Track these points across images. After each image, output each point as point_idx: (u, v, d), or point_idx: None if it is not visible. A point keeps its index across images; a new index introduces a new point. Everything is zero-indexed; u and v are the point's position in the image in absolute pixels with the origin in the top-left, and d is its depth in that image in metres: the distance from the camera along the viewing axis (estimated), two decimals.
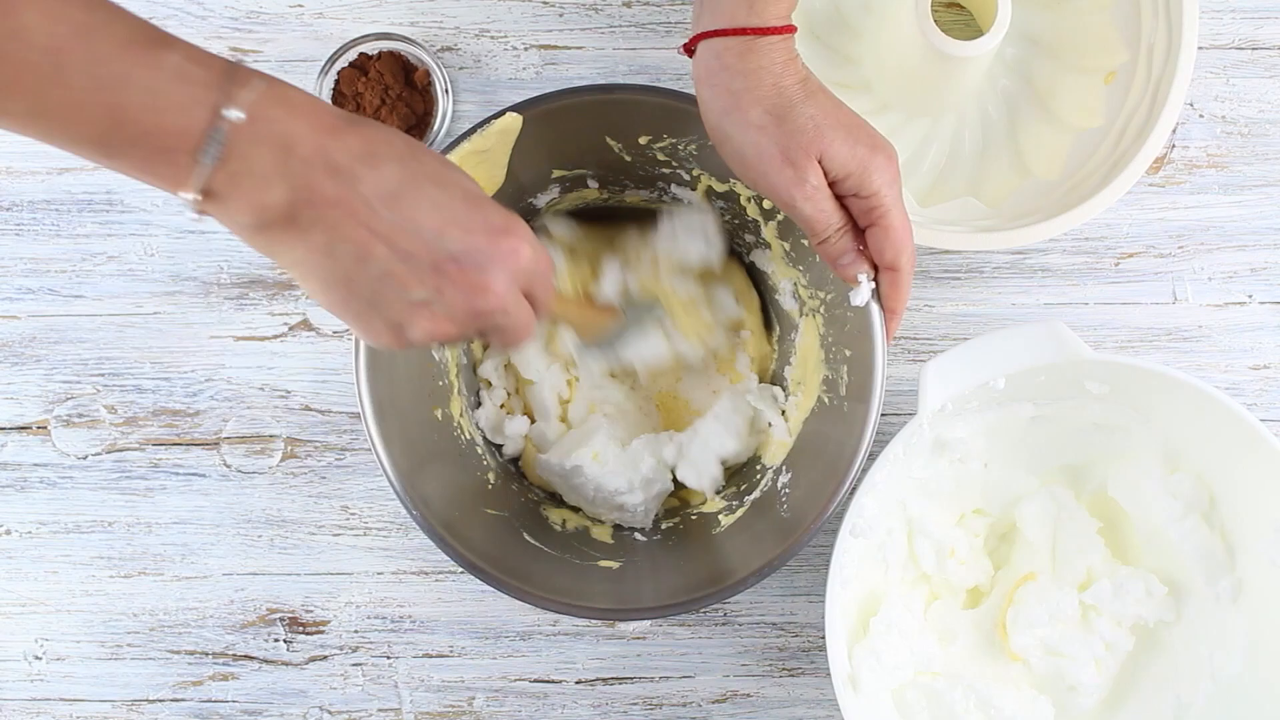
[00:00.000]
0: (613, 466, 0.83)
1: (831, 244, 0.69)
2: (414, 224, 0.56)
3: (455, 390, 0.84)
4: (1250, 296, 0.89)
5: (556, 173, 0.81)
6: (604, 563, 0.80)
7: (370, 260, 0.56)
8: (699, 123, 0.70)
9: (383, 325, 0.58)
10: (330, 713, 0.88)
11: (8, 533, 0.89)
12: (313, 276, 0.56)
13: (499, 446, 0.87)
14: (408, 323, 0.58)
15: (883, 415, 0.74)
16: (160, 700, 0.88)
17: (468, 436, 0.84)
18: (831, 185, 0.67)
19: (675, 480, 0.86)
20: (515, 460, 0.87)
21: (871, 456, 0.74)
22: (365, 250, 0.55)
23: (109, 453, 0.89)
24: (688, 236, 0.84)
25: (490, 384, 0.87)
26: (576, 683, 0.88)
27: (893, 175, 0.67)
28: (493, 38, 0.89)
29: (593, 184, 0.83)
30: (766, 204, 0.80)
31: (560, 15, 0.89)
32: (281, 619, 0.88)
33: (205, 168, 0.52)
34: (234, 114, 0.52)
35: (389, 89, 0.86)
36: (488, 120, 0.75)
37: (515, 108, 0.75)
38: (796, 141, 0.65)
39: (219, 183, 0.52)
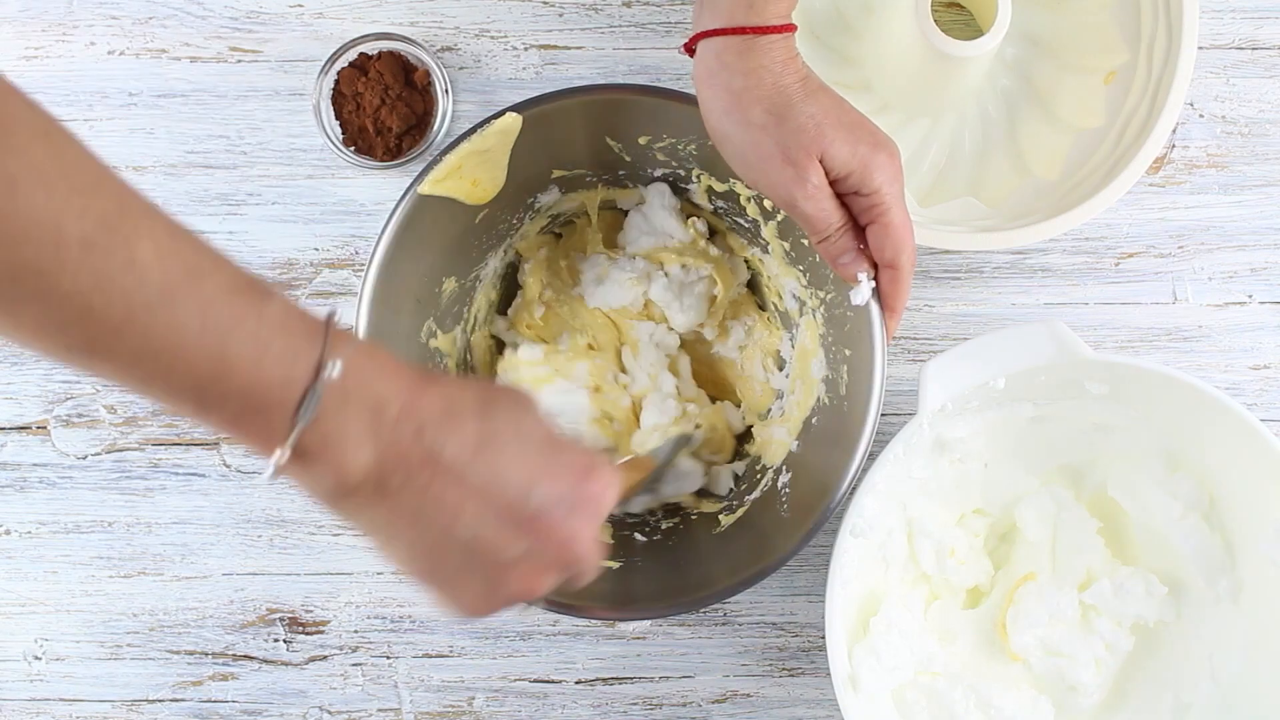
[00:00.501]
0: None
1: (832, 243, 0.69)
2: (502, 479, 0.53)
3: None
4: (1250, 296, 0.89)
5: (556, 173, 0.81)
6: (604, 562, 0.80)
7: (461, 521, 0.53)
8: (699, 122, 0.70)
9: (476, 589, 0.55)
10: (330, 713, 0.88)
11: (8, 533, 0.89)
12: (398, 543, 0.54)
13: None
14: (501, 582, 0.55)
15: (883, 415, 0.74)
16: (160, 700, 0.88)
17: None
18: (832, 184, 0.67)
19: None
20: None
21: (871, 456, 0.74)
22: (456, 511, 0.53)
23: (109, 453, 0.88)
24: (687, 301, 0.85)
25: None
26: (576, 683, 0.88)
27: (894, 173, 0.67)
28: (493, 38, 0.89)
29: (593, 183, 0.83)
30: (767, 204, 0.80)
31: (560, 15, 0.89)
32: (281, 619, 0.88)
33: (302, 424, 0.49)
34: (335, 369, 0.49)
35: (389, 89, 0.86)
36: (488, 120, 0.75)
37: (515, 108, 0.75)
38: (798, 140, 0.65)
39: (310, 442, 0.50)
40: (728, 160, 0.69)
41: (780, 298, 0.85)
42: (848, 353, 0.77)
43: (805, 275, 0.81)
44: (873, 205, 0.67)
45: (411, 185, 0.75)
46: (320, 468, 0.51)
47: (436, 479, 0.52)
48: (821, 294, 0.80)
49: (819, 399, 0.80)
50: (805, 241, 0.79)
